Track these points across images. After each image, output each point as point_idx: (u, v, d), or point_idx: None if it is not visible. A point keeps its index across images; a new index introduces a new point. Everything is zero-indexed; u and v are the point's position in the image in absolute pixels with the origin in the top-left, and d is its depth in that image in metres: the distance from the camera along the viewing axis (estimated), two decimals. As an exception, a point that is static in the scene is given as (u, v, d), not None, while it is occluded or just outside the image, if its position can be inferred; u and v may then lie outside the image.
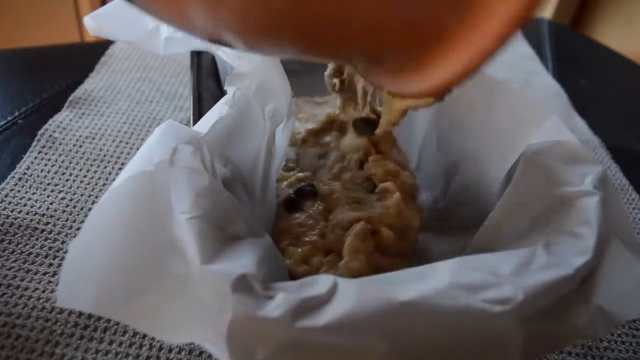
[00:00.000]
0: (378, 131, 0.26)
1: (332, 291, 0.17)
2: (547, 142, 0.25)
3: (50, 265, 0.30)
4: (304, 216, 0.29)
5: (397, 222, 0.27)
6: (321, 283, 0.18)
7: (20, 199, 0.34)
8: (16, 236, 0.32)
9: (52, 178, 0.36)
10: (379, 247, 0.27)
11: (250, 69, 0.26)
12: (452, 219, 0.32)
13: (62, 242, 0.32)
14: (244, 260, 0.18)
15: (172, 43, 0.34)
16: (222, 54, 0.30)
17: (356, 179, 0.30)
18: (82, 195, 0.35)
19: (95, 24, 0.33)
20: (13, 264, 0.30)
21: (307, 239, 0.27)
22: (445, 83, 0.16)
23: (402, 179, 0.29)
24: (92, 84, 0.47)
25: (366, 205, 0.28)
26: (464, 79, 0.15)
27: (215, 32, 0.18)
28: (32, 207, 0.34)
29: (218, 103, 0.25)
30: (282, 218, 0.29)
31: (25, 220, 0.33)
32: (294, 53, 0.19)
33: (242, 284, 0.17)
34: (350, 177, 0.30)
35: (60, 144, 0.39)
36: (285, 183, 0.30)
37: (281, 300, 0.17)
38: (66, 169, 0.37)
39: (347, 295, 0.17)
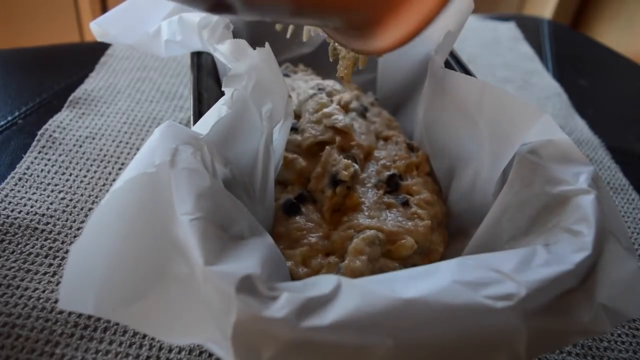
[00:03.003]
0: (338, 74, 0.31)
1: (336, 290, 0.17)
2: (540, 142, 0.25)
3: (50, 265, 0.30)
4: (304, 219, 0.29)
5: (423, 241, 0.28)
6: (325, 283, 0.18)
7: (20, 199, 0.34)
8: (16, 236, 0.31)
9: (52, 178, 0.36)
10: (392, 253, 0.27)
11: (246, 70, 0.26)
12: (451, 221, 0.32)
13: (62, 242, 0.32)
14: (247, 261, 0.18)
15: (172, 46, 0.34)
16: (220, 55, 0.30)
17: (391, 192, 0.31)
18: (82, 195, 0.35)
19: (101, 29, 0.34)
20: (13, 264, 0.30)
21: (305, 240, 0.27)
22: (398, 42, 0.19)
23: (436, 208, 0.30)
24: (92, 84, 0.47)
25: (386, 220, 0.29)
26: (411, 39, 0.19)
27: None
28: (32, 207, 0.34)
29: (216, 104, 0.25)
30: (280, 221, 0.29)
31: (25, 220, 0.33)
32: (287, 10, 0.21)
33: (246, 285, 0.17)
34: (383, 187, 0.31)
35: (60, 144, 0.39)
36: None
37: (286, 300, 0.17)
38: (66, 169, 0.37)
39: (351, 295, 0.17)
